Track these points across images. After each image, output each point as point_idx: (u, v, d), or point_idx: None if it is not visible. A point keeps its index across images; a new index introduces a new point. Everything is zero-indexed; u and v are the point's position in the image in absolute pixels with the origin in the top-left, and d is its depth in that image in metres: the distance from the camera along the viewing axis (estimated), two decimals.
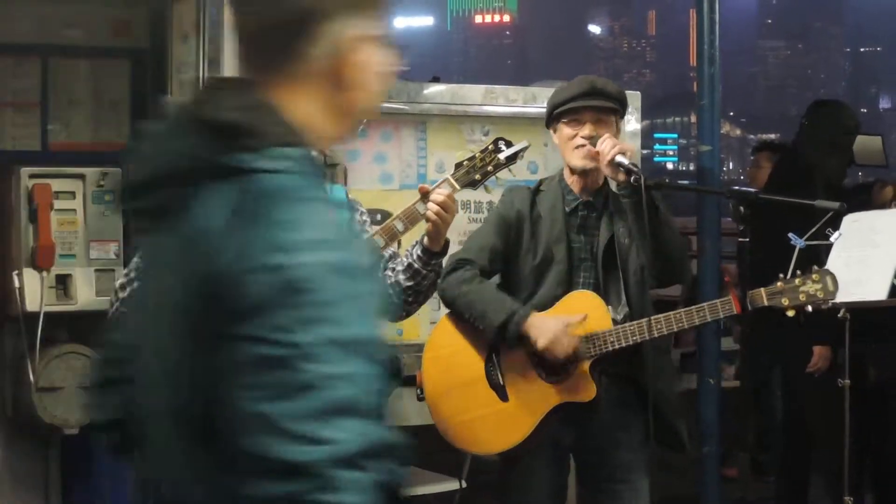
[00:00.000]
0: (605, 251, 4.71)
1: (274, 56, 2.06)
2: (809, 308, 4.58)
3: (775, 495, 7.58)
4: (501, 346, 4.64)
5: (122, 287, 4.30)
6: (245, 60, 2.15)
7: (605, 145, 4.58)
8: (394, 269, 4.51)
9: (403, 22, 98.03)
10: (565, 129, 4.65)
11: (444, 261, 4.60)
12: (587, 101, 4.62)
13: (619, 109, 4.75)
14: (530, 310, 4.51)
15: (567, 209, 4.70)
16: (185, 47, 5.68)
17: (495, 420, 4.64)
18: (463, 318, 4.65)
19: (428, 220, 4.35)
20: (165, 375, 2.05)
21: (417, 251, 4.44)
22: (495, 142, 4.52)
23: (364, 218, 4.61)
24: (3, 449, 5.72)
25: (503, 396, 4.61)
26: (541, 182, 4.82)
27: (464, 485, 5.77)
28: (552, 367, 4.57)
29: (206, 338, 1.88)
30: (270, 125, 2.01)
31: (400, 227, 4.42)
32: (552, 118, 4.73)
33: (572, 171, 4.70)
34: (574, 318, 4.54)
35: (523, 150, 4.52)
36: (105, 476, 5.76)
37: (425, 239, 4.40)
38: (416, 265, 4.45)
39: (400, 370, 4.92)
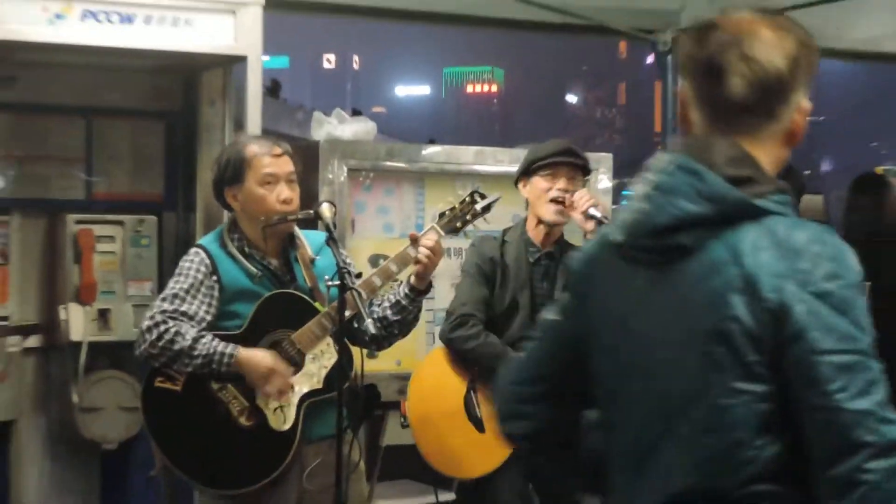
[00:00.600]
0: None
1: (755, 116, 2.32)
2: None
3: None
4: (479, 382, 4.81)
5: (176, 302, 4.39)
6: (717, 120, 2.38)
7: (581, 198, 4.80)
8: (380, 305, 4.59)
9: (404, 91, 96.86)
10: (541, 183, 4.83)
11: (450, 308, 4.89)
12: (564, 158, 4.83)
13: (587, 169, 5.01)
14: None
15: (531, 259, 4.90)
16: (213, 110, 5.82)
17: (473, 449, 4.77)
18: (467, 357, 4.82)
19: (418, 262, 4.42)
20: (683, 398, 2.24)
21: (405, 289, 4.52)
22: (472, 194, 4.65)
23: (349, 260, 4.57)
24: (50, 462, 5.81)
25: (480, 428, 4.74)
26: (505, 232, 4.97)
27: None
28: None
29: (747, 358, 2.11)
30: (766, 176, 2.27)
31: (394, 268, 4.53)
32: (528, 172, 4.89)
33: (541, 222, 4.89)
34: None
35: (495, 201, 4.63)
36: (138, 488, 5.92)
37: (412, 279, 4.49)
38: (403, 302, 4.54)
39: (378, 396, 5.11)
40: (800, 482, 2.14)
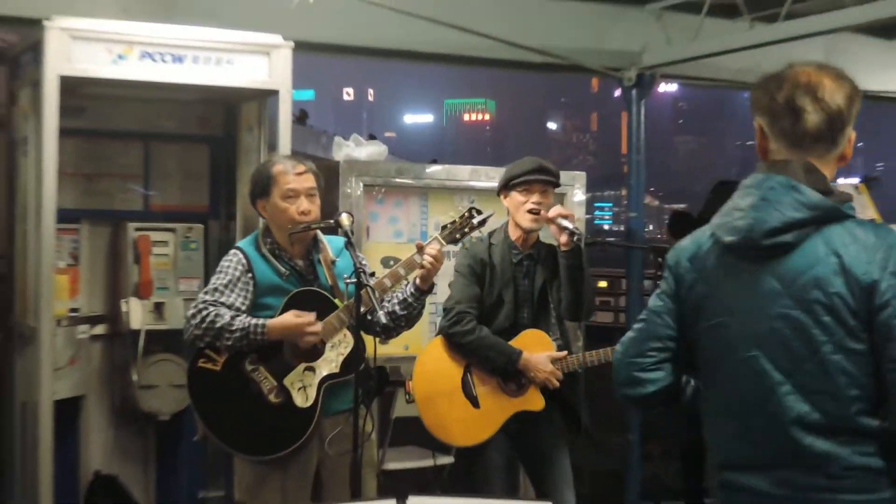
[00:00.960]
0: (539, 293, 4.95)
1: (823, 144, 2.78)
2: None
3: (684, 473, 7.55)
4: (474, 366, 4.85)
5: (216, 294, 4.46)
6: (795, 147, 2.81)
7: (554, 211, 4.82)
8: (390, 301, 4.61)
9: (411, 119, 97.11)
10: (518, 197, 4.81)
11: (443, 306, 4.91)
12: (537, 176, 4.80)
13: (557, 183, 4.99)
14: (521, 351, 4.73)
15: (514, 260, 4.88)
16: (250, 136, 5.83)
17: (469, 422, 4.76)
18: (464, 349, 4.80)
19: (423, 267, 4.44)
20: (793, 353, 2.66)
21: (411, 289, 4.56)
22: (469, 210, 4.64)
23: (365, 262, 4.57)
24: (114, 431, 5.86)
25: (476, 405, 4.75)
26: (490, 235, 4.92)
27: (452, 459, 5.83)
28: (519, 385, 4.81)
29: (848, 321, 2.58)
30: (833, 188, 2.81)
31: (402, 272, 4.53)
32: (507, 187, 4.87)
33: (519, 229, 4.88)
34: (554, 354, 4.83)
35: (489, 217, 4.64)
36: (187, 453, 5.91)
37: (417, 280, 4.52)
38: (409, 299, 4.57)
39: (388, 376, 5.14)
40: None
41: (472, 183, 6.54)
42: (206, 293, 4.48)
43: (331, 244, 4.66)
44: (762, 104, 2.95)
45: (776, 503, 2.75)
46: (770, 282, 2.74)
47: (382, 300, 4.52)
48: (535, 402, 4.79)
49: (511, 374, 4.76)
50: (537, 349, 4.80)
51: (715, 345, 2.86)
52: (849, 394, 2.58)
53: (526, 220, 4.82)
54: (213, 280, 4.54)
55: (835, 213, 2.69)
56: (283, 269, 4.55)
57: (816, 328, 2.63)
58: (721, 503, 2.97)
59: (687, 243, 3.02)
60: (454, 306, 4.79)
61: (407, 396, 4.94)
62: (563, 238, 4.77)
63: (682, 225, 8.38)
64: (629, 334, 3.08)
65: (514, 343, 4.79)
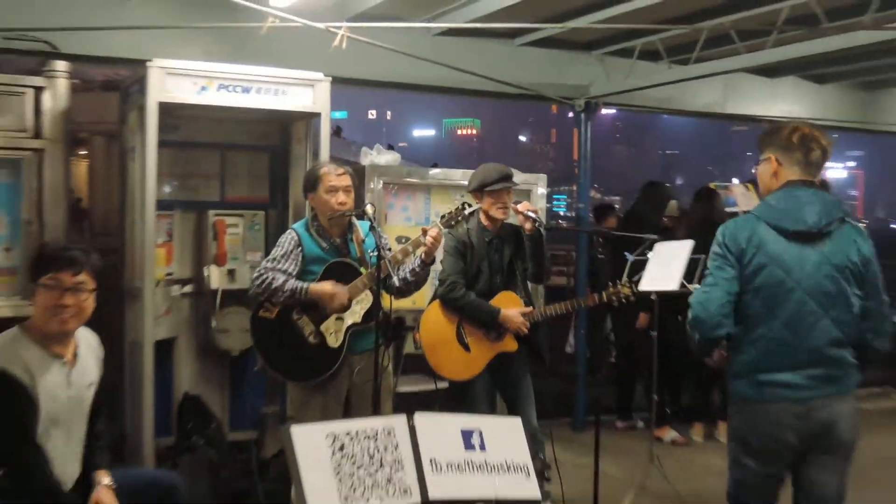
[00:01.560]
0: (508, 264, 4.98)
1: (819, 170, 3.49)
2: (623, 301, 4.97)
3: (617, 396, 7.70)
4: (464, 322, 4.86)
5: (275, 262, 4.58)
6: (806, 172, 3.44)
7: (522, 206, 4.89)
8: (403, 270, 4.65)
9: (418, 132, 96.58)
10: (489, 198, 4.85)
11: (439, 278, 4.96)
12: (504, 184, 4.86)
13: (515, 184, 5.01)
14: (499, 309, 4.77)
15: (487, 240, 4.90)
16: (299, 146, 5.84)
17: (463, 362, 4.82)
18: (456, 309, 4.85)
19: (426, 245, 4.51)
20: (832, 298, 3.34)
21: (418, 262, 4.62)
22: (462, 204, 4.67)
23: (385, 241, 4.75)
24: (198, 363, 5.85)
25: (467, 349, 4.81)
26: (467, 221, 4.86)
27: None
28: (498, 333, 4.85)
29: (858, 279, 3.36)
30: None
31: (411, 249, 4.59)
32: (479, 190, 4.90)
33: (490, 219, 4.90)
34: (523, 309, 4.87)
35: (476, 209, 4.77)
36: (251, 379, 5.88)
37: (423, 255, 4.58)
38: (417, 269, 4.64)
39: (404, 324, 5.17)
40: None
41: (463, 182, 6.35)
42: (267, 261, 4.61)
43: (361, 227, 4.65)
44: (779, 143, 3.51)
45: (802, 389, 3.32)
46: (816, 255, 3.34)
47: (397, 269, 4.57)
48: (510, 345, 4.85)
49: (492, 326, 4.77)
50: (510, 306, 4.82)
51: (773, 295, 3.34)
52: (854, 322, 3.36)
53: (497, 214, 4.87)
54: (273, 251, 4.66)
55: (849, 215, 3.45)
56: (324, 245, 4.65)
57: (844, 283, 3.33)
58: (756, 396, 3.39)
59: (739, 230, 3.43)
60: (447, 277, 4.82)
61: (416, 345, 4.97)
62: (528, 225, 4.83)
63: (601, 212, 8.53)
64: (705, 295, 3.41)
65: (493, 302, 4.82)
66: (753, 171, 4.26)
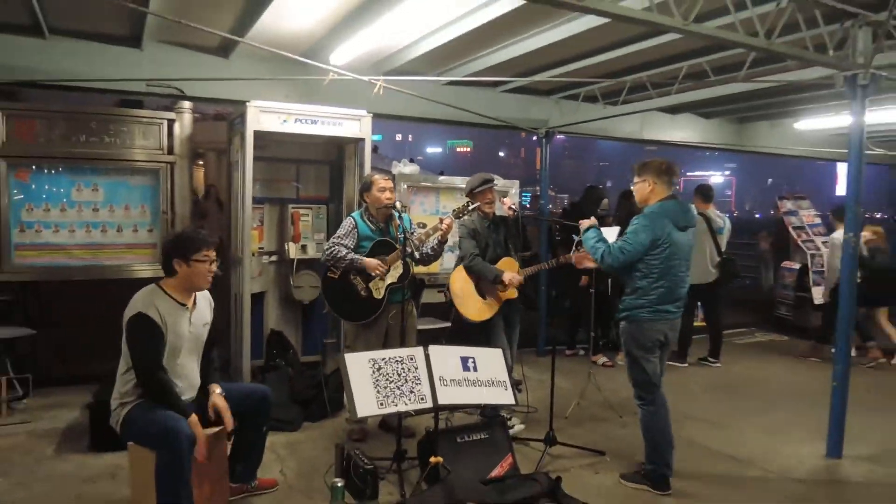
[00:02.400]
0: (503, 241, 4.85)
1: (675, 187, 3.92)
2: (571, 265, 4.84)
3: (566, 332, 7.55)
4: (480, 281, 4.71)
5: (339, 239, 4.53)
6: (670, 189, 3.90)
7: (507, 200, 4.87)
8: (425, 247, 4.64)
9: (430, 150, 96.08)
10: (479, 197, 4.72)
11: (461, 255, 4.75)
12: (486, 186, 4.75)
13: (494, 184, 4.87)
14: (502, 271, 4.63)
15: (486, 226, 4.77)
16: (350, 161, 5.73)
17: (481, 308, 4.68)
18: (475, 273, 4.68)
19: (442, 230, 4.52)
20: (688, 265, 3.95)
21: (435, 242, 4.63)
22: (467, 202, 4.65)
23: (419, 229, 4.76)
24: (281, 309, 5.81)
25: (483, 298, 4.69)
26: (471, 215, 4.73)
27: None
28: (504, 288, 4.68)
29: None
30: None
31: (431, 232, 4.58)
32: (472, 194, 4.75)
33: (483, 211, 4.75)
34: (518, 270, 4.75)
35: (476, 206, 4.63)
36: (319, 320, 5.86)
37: (439, 235, 4.57)
38: (435, 247, 4.64)
39: (424, 283, 5.16)
40: None
41: (461, 185, 6.33)
42: (334, 238, 4.60)
43: (400, 216, 4.65)
44: (653, 171, 3.90)
45: (674, 314, 3.96)
46: (686, 239, 3.90)
47: (420, 246, 4.61)
48: (512, 293, 4.74)
49: (498, 282, 4.66)
50: (509, 268, 4.72)
51: (670, 263, 3.84)
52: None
53: (487, 208, 4.77)
54: (338, 231, 4.65)
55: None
56: (372, 228, 4.63)
57: (691, 252, 3.98)
58: (652, 318, 3.89)
59: (658, 224, 3.82)
60: (467, 253, 4.68)
61: (447, 300, 4.79)
62: (510, 213, 4.81)
63: (571, 212, 8.31)
64: (621, 255, 3.85)
65: (498, 265, 4.71)
66: (632, 187, 4.19)
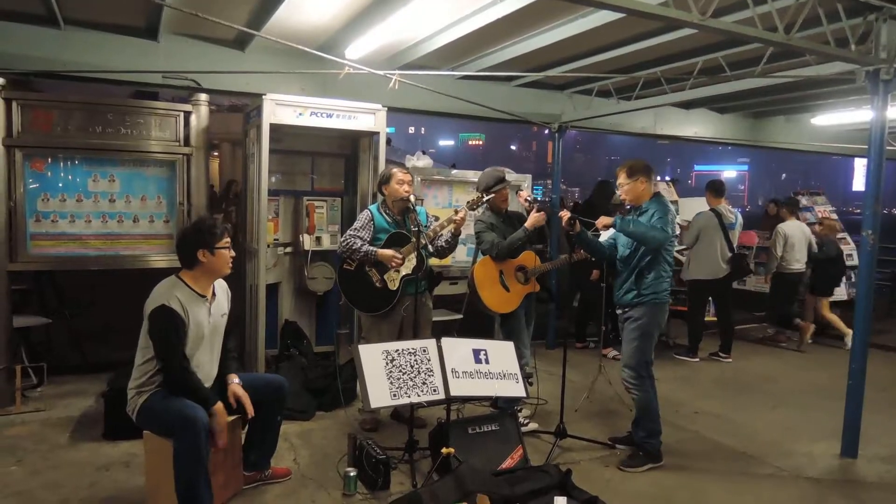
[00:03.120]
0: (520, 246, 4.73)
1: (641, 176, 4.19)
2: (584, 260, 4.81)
3: (577, 326, 7.60)
4: (504, 268, 4.65)
5: (355, 231, 4.54)
6: (654, 186, 4.22)
7: (523, 194, 4.88)
8: (440, 240, 4.64)
9: (443, 142, 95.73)
10: (495, 195, 4.66)
11: (483, 248, 4.66)
12: (503, 185, 4.71)
13: (508, 184, 4.84)
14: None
15: (500, 220, 4.74)
16: (364, 154, 5.73)
17: (504, 299, 4.62)
18: (506, 253, 4.59)
19: (456, 222, 4.51)
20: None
21: (449, 235, 4.61)
22: (480, 195, 4.59)
23: (434, 222, 4.69)
24: (295, 299, 5.84)
25: (507, 290, 4.62)
26: (485, 210, 4.76)
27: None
28: (526, 280, 4.66)
29: None
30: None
31: (446, 224, 4.56)
32: (486, 191, 4.67)
33: (498, 206, 4.75)
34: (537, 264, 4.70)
35: (489, 199, 4.61)
36: (333, 310, 5.91)
37: (452, 227, 4.55)
38: (449, 240, 4.63)
39: (441, 275, 5.13)
40: None
41: (473, 179, 6.39)
42: (350, 230, 4.61)
43: (418, 210, 4.68)
44: (645, 172, 4.23)
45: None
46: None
47: (434, 239, 4.62)
48: (534, 287, 4.70)
49: (523, 272, 4.64)
50: (529, 262, 4.67)
51: (672, 247, 4.32)
52: None
53: (503, 204, 4.76)
54: (354, 223, 4.68)
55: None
56: (389, 220, 4.64)
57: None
58: (666, 300, 4.22)
59: (672, 214, 4.18)
60: (490, 242, 4.61)
61: (469, 288, 4.71)
62: (527, 205, 4.76)
63: (584, 207, 8.20)
64: (668, 232, 4.08)
65: (519, 259, 4.67)
66: (618, 192, 4.38)
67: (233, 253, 3.45)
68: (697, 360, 7.03)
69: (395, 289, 4.54)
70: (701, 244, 6.95)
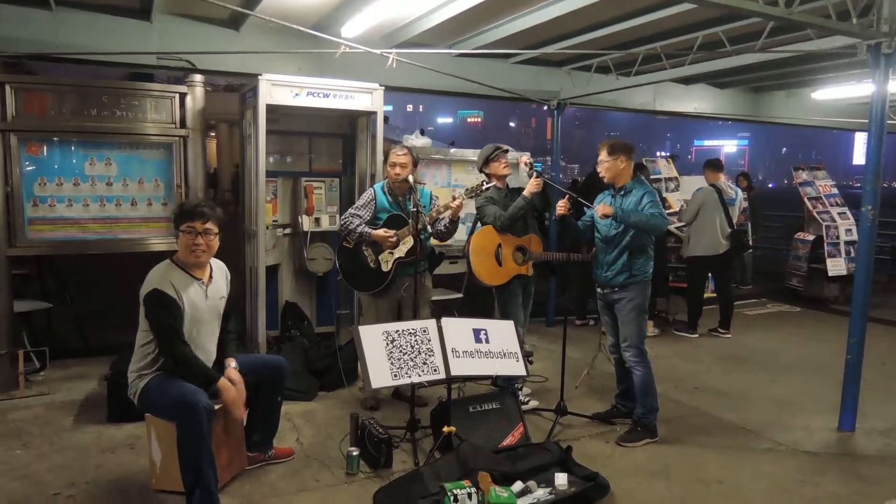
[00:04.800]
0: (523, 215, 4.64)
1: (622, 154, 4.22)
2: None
3: (576, 303, 7.60)
4: (505, 242, 4.56)
5: (356, 210, 4.58)
6: (632, 162, 4.31)
7: (524, 158, 4.84)
8: (439, 223, 4.59)
9: (441, 120, 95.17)
10: (493, 164, 4.64)
11: (489, 220, 4.56)
12: (499, 151, 4.67)
13: (507, 150, 4.78)
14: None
15: (502, 196, 4.67)
16: (362, 134, 5.69)
17: (493, 272, 4.53)
18: (510, 221, 4.51)
19: (453, 208, 4.46)
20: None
21: (447, 220, 4.56)
22: (481, 182, 4.59)
23: (437, 203, 4.64)
24: (295, 280, 5.83)
25: (500, 264, 4.54)
26: (488, 188, 4.64)
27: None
28: (523, 260, 4.58)
29: None
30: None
31: (442, 209, 4.51)
32: (486, 163, 4.67)
33: (500, 178, 4.68)
34: (541, 252, 4.64)
35: (491, 186, 4.59)
36: (332, 291, 5.89)
37: (450, 214, 4.50)
38: (448, 224, 4.58)
39: (442, 255, 5.12)
40: None
41: (472, 157, 6.33)
42: (352, 208, 4.65)
43: (420, 191, 4.67)
44: (625, 150, 4.22)
45: None
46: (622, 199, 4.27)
47: (434, 222, 4.60)
48: (526, 270, 4.62)
49: (522, 253, 4.61)
50: (536, 246, 4.63)
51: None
52: None
53: (504, 171, 4.70)
54: (357, 202, 4.73)
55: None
56: (390, 200, 4.65)
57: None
58: (651, 278, 4.25)
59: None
60: (493, 215, 4.55)
61: (466, 259, 4.66)
62: (528, 169, 4.69)
63: (586, 185, 8.16)
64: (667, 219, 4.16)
65: (524, 241, 4.62)
66: (598, 168, 4.33)
67: (199, 241, 3.29)
68: (697, 335, 7.06)
69: (387, 270, 4.56)
70: (701, 220, 6.94)
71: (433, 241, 4.76)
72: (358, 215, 4.57)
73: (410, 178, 4.53)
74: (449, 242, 5.80)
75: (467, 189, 4.56)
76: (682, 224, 7.35)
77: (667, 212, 5.01)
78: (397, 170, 4.57)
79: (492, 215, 4.60)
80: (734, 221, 7.01)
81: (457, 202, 4.46)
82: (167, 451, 3.34)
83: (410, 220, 4.50)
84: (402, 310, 4.69)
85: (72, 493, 3.42)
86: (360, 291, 4.71)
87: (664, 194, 8.43)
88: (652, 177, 8.47)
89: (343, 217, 4.62)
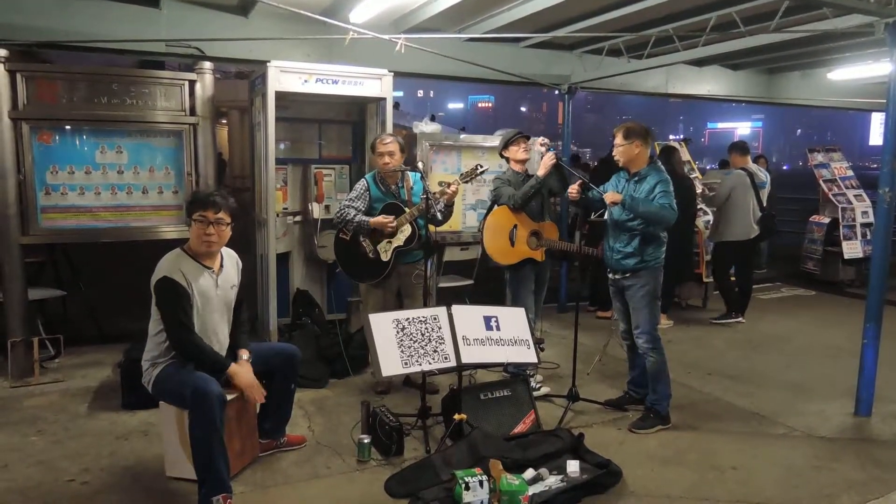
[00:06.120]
0: (539, 201, 4.65)
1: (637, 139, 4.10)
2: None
3: (590, 290, 7.56)
4: (521, 223, 4.53)
5: (351, 201, 4.58)
6: (649, 147, 4.19)
7: (539, 140, 4.71)
8: (436, 209, 4.52)
9: (452, 105, 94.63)
10: (512, 147, 4.64)
11: (503, 201, 4.54)
12: (520, 135, 4.68)
13: (527, 136, 4.75)
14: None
15: (520, 179, 4.62)
16: (371, 121, 5.66)
17: (504, 251, 4.50)
18: (524, 200, 4.48)
19: (448, 194, 4.50)
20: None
21: (441, 205, 4.55)
22: (476, 165, 4.53)
23: (428, 186, 4.55)
24: (306, 268, 5.83)
25: (512, 245, 4.51)
26: (506, 171, 4.69)
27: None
28: (537, 245, 4.56)
29: None
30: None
31: (438, 196, 4.52)
32: (506, 147, 4.67)
33: (518, 162, 4.66)
34: (555, 239, 4.63)
35: (485, 170, 4.56)
36: (343, 278, 5.73)
37: (445, 199, 4.53)
38: (443, 210, 4.58)
39: (440, 245, 5.11)
40: None
41: (483, 143, 6.39)
42: (345, 200, 4.67)
43: (412, 177, 4.65)
44: (640, 135, 4.10)
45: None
46: (636, 185, 4.19)
47: (431, 209, 4.51)
48: (539, 255, 4.59)
49: (536, 237, 4.58)
50: (551, 234, 4.60)
51: None
52: None
53: (523, 155, 4.67)
54: (350, 193, 4.68)
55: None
56: (383, 189, 4.64)
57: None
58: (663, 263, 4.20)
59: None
60: (508, 195, 4.51)
61: (480, 239, 4.63)
62: (543, 150, 4.60)
63: (601, 168, 7.98)
64: (675, 210, 4.09)
65: (538, 227, 4.59)
66: (614, 153, 4.23)
67: (210, 231, 3.28)
68: (742, 319, 6.93)
69: (386, 259, 4.57)
70: (732, 204, 6.74)
71: (431, 229, 4.69)
72: (353, 206, 4.56)
73: (420, 164, 4.53)
74: (460, 229, 5.76)
75: (462, 174, 4.55)
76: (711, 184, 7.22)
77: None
78: (385, 159, 4.55)
79: (506, 196, 4.55)
80: (764, 205, 6.87)
81: (453, 187, 4.47)
82: (180, 438, 3.35)
83: (409, 208, 4.51)
84: (402, 299, 4.69)
85: (86, 479, 3.44)
86: (357, 281, 4.73)
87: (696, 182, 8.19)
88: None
89: (338, 209, 4.61)
